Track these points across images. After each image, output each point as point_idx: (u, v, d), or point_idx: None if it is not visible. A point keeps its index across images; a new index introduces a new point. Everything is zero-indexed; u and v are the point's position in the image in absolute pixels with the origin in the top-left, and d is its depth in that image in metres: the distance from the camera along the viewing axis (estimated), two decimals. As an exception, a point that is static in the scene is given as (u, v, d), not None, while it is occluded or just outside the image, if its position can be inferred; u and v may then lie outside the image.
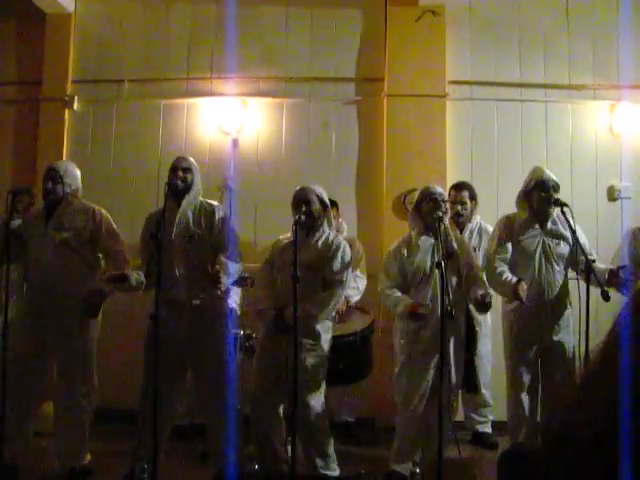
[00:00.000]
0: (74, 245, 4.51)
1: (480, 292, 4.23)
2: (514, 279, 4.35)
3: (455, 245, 4.39)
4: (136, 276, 4.31)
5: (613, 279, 4.18)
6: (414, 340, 4.38)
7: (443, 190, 4.59)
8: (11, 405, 4.15)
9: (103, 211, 4.67)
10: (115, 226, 4.68)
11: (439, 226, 4.19)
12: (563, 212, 4.30)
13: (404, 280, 4.45)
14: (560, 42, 6.29)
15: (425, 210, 4.41)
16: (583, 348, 3.94)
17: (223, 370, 4.49)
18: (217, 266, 4.27)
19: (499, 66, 6.28)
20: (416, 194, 4.65)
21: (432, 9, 6.09)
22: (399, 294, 4.39)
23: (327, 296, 4.32)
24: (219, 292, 4.37)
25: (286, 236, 4.51)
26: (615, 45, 6.24)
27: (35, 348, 4.44)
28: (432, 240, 4.40)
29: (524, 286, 4.30)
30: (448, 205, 4.48)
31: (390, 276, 4.49)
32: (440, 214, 4.28)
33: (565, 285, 4.57)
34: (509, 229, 4.60)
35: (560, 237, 4.53)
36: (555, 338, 4.47)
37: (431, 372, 4.32)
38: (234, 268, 4.44)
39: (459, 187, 5.44)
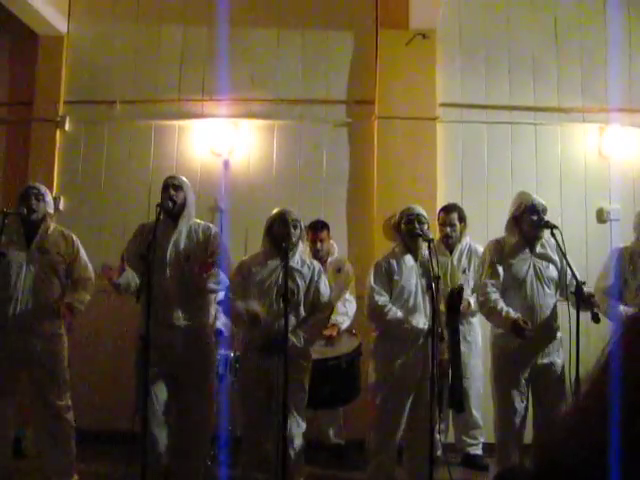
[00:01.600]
0: (55, 268, 4.51)
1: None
2: (511, 312, 4.30)
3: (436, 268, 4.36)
4: (133, 284, 4.30)
5: (588, 302, 4.19)
6: (390, 364, 4.36)
7: (422, 210, 4.53)
8: None
9: (75, 237, 4.69)
10: (84, 255, 4.70)
11: (429, 245, 4.18)
12: (553, 234, 4.32)
13: (390, 294, 4.42)
14: (549, 65, 6.36)
15: (404, 230, 4.42)
16: (574, 370, 3.95)
17: (208, 393, 4.51)
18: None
19: (489, 89, 6.33)
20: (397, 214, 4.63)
21: (423, 32, 6.14)
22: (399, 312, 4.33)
23: (318, 321, 4.34)
24: (204, 285, 4.32)
25: (252, 258, 4.46)
26: (604, 68, 6.32)
27: (5, 370, 4.41)
28: (413, 262, 4.40)
29: (522, 322, 4.27)
30: (426, 226, 4.42)
31: (383, 286, 4.40)
32: (419, 232, 4.28)
33: (555, 308, 4.57)
34: (500, 253, 4.60)
35: (549, 260, 4.54)
36: (545, 361, 4.45)
37: (410, 397, 4.30)
38: (224, 279, 4.43)
39: (448, 209, 5.46)
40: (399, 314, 4.29)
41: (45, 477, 4.48)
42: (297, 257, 4.37)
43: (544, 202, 4.55)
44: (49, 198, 4.66)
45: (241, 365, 4.55)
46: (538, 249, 4.55)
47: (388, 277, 4.41)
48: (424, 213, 4.48)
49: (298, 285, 4.30)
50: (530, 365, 4.46)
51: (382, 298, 4.34)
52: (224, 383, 5.00)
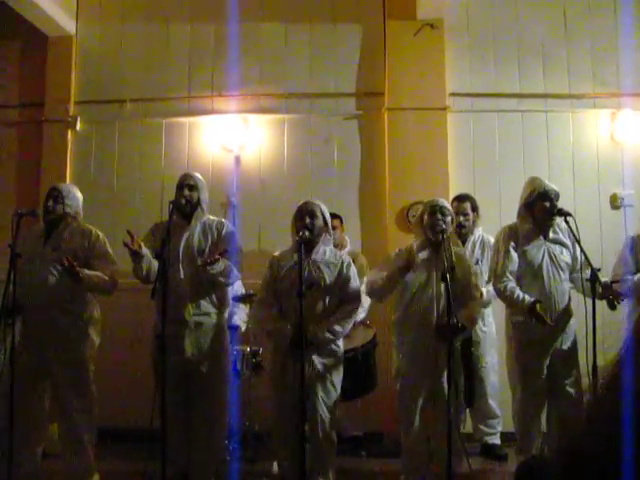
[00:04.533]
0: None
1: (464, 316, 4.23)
2: (527, 297, 4.35)
3: (454, 259, 4.35)
4: (147, 265, 4.32)
5: (606, 292, 4.19)
6: (410, 354, 4.36)
7: (446, 203, 4.55)
8: (18, 428, 4.15)
9: (100, 234, 4.67)
10: (109, 249, 4.65)
11: (443, 239, 4.17)
12: (567, 222, 4.32)
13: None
14: (559, 51, 6.32)
15: (426, 223, 4.42)
16: (590, 358, 3.94)
17: (221, 388, 4.52)
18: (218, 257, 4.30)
19: (499, 77, 6.30)
20: (420, 207, 4.63)
21: (430, 22, 6.12)
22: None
23: (346, 313, 4.30)
24: (207, 268, 4.29)
25: (282, 253, 4.45)
26: (615, 53, 6.27)
27: (33, 369, 4.43)
28: (430, 254, 4.39)
29: (539, 307, 4.30)
30: (449, 219, 4.41)
31: (384, 269, 4.44)
32: (441, 227, 4.27)
33: (569, 293, 4.58)
34: (514, 239, 4.60)
35: (562, 245, 4.55)
36: (564, 347, 4.47)
37: (426, 386, 4.30)
38: (234, 271, 4.45)
39: (461, 198, 5.44)
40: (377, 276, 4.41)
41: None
42: (323, 248, 4.37)
43: (556, 188, 4.54)
44: (72, 199, 4.65)
45: (271, 364, 4.50)
46: (551, 234, 4.56)
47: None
48: (448, 206, 4.49)
49: (324, 276, 4.29)
50: (550, 352, 4.46)
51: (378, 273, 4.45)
52: (240, 378, 5.02)
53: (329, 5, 6.46)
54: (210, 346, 4.46)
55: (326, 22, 6.46)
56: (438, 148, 6.07)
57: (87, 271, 4.38)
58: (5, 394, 4.07)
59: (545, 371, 4.51)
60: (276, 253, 4.51)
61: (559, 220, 4.50)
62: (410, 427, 4.34)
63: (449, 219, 4.40)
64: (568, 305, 4.55)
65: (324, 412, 4.19)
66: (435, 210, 4.37)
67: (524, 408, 4.58)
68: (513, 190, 5.83)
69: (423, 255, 4.40)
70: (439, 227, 4.27)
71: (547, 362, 4.49)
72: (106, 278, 4.48)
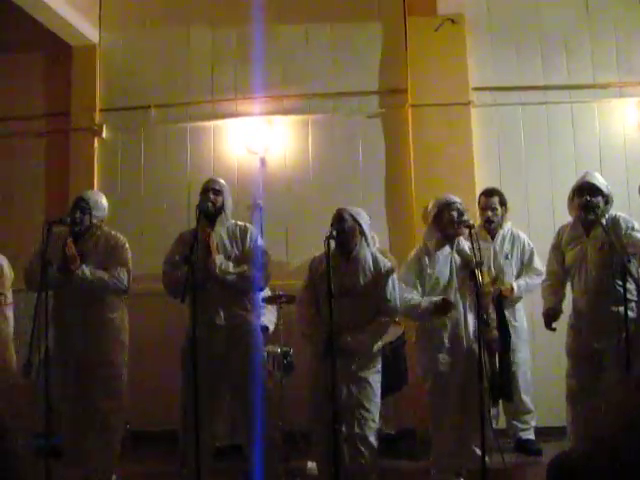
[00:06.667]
0: None
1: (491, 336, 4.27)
2: (550, 301, 4.59)
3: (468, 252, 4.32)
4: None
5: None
6: (438, 354, 4.33)
7: (457, 198, 4.48)
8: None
9: (123, 241, 4.71)
10: (128, 256, 4.68)
11: (470, 234, 4.14)
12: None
13: (422, 289, 4.38)
14: (582, 41, 6.26)
15: (446, 220, 4.36)
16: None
17: (258, 389, 4.51)
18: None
19: (522, 70, 6.25)
20: (430, 205, 4.55)
21: (451, 17, 6.10)
22: (418, 297, 4.33)
23: (381, 326, 4.27)
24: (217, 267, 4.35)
25: (322, 254, 4.42)
26: (639, 40, 6.19)
27: (67, 375, 4.51)
28: (449, 250, 4.38)
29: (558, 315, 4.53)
30: (462, 210, 4.37)
31: (408, 284, 4.40)
32: (468, 222, 4.23)
33: (613, 290, 4.32)
34: (558, 240, 4.64)
35: (603, 242, 4.33)
36: (609, 344, 4.31)
37: (456, 384, 4.28)
38: (253, 277, 4.45)
39: (489, 193, 5.40)
40: (410, 304, 4.34)
41: (83, 476, 4.55)
42: (363, 252, 4.34)
43: (598, 181, 4.42)
44: (98, 209, 4.70)
45: (309, 365, 4.51)
46: (594, 231, 4.41)
47: (419, 273, 4.40)
48: (460, 201, 4.45)
49: (359, 281, 4.26)
50: (598, 349, 4.36)
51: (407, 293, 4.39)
52: (271, 379, 5.04)
53: (349, 4, 6.47)
54: (242, 349, 4.46)
55: (347, 21, 6.46)
56: (463, 143, 6.04)
57: (84, 267, 4.46)
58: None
59: (595, 368, 4.43)
60: (317, 254, 4.48)
61: (608, 216, 4.39)
62: (440, 425, 4.33)
63: (464, 213, 4.37)
64: (612, 301, 4.30)
65: (360, 412, 4.18)
66: (453, 207, 4.34)
67: (573, 402, 4.54)
68: (540, 183, 5.79)
69: (443, 253, 4.38)
70: (466, 222, 4.24)
71: (595, 359, 4.41)
72: (105, 277, 4.52)
